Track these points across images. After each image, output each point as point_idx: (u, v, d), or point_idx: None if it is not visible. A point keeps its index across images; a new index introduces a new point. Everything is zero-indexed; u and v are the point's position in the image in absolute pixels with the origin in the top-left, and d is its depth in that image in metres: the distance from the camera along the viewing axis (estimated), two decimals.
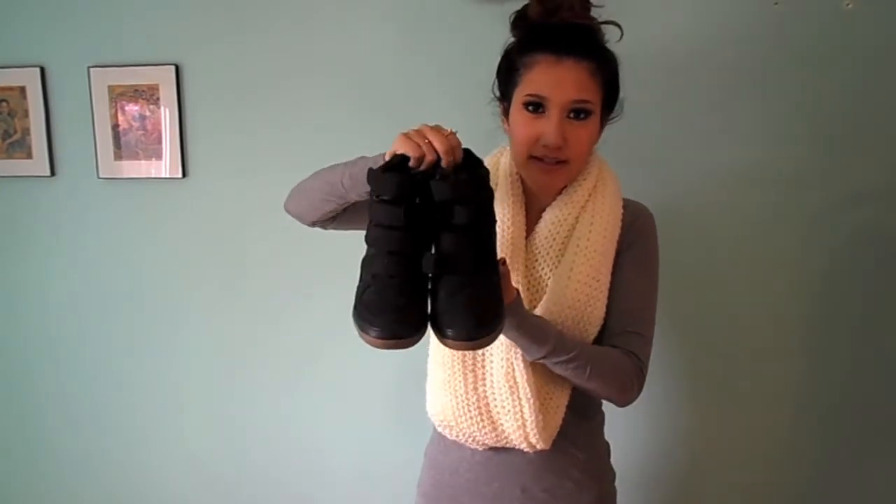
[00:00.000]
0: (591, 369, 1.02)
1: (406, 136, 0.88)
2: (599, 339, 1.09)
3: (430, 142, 0.87)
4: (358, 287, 0.87)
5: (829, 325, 1.60)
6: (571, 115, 1.01)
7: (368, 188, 0.87)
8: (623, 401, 1.09)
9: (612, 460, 1.23)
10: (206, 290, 1.80)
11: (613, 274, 1.09)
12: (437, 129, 0.89)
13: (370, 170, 0.86)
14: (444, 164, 0.87)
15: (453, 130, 0.90)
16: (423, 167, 0.87)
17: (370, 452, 1.80)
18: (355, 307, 0.85)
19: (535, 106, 1.01)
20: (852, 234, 1.55)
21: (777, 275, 1.60)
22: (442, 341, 0.85)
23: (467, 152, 0.92)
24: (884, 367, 1.60)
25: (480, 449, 1.13)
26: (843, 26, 1.48)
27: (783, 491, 1.68)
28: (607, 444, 1.23)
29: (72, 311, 1.87)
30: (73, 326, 1.88)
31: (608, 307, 1.09)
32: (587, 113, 1.01)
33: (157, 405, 1.88)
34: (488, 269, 0.87)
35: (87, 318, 1.87)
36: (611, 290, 1.09)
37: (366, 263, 0.87)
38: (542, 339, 0.98)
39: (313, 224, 1.11)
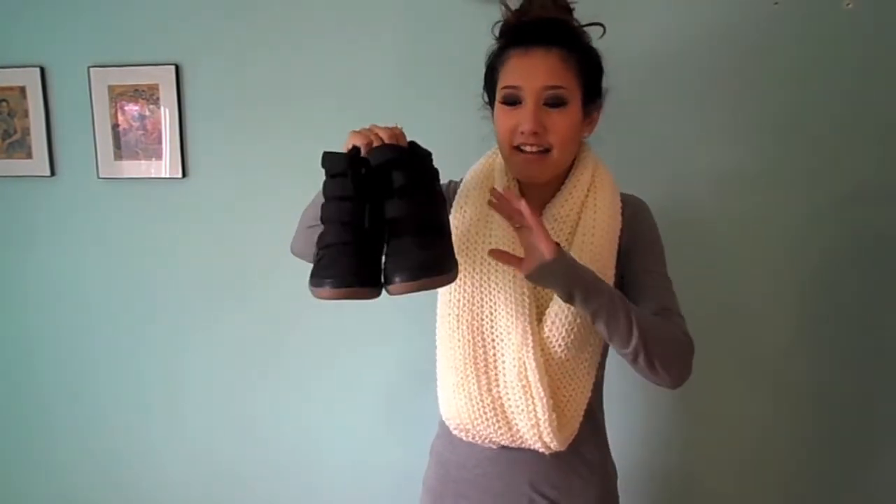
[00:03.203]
0: (651, 333, 0.98)
1: (356, 130, 0.98)
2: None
3: (377, 133, 0.96)
4: (313, 261, 0.94)
5: (827, 325, 1.60)
6: (548, 103, 1.02)
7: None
8: (682, 375, 1.04)
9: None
10: (206, 290, 1.80)
11: (629, 265, 1.11)
12: (385, 125, 0.98)
13: (325, 152, 0.95)
14: None
15: (399, 126, 0.99)
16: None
17: (370, 448, 1.80)
18: (311, 274, 0.91)
19: (512, 98, 1.04)
20: (851, 234, 1.56)
21: (775, 275, 1.59)
22: (389, 290, 0.91)
23: (412, 142, 1.00)
24: (883, 367, 1.60)
25: (493, 447, 1.13)
26: (843, 26, 1.48)
27: (781, 489, 1.68)
28: (608, 442, 1.23)
29: (72, 310, 1.87)
30: (73, 326, 1.88)
31: (635, 293, 1.09)
32: (562, 100, 1.03)
33: (156, 404, 1.88)
34: (432, 231, 0.95)
35: (86, 318, 1.87)
36: (634, 280, 1.10)
37: (320, 238, 0.95)
38: (598, 284, 0.97)
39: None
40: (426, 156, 0.99)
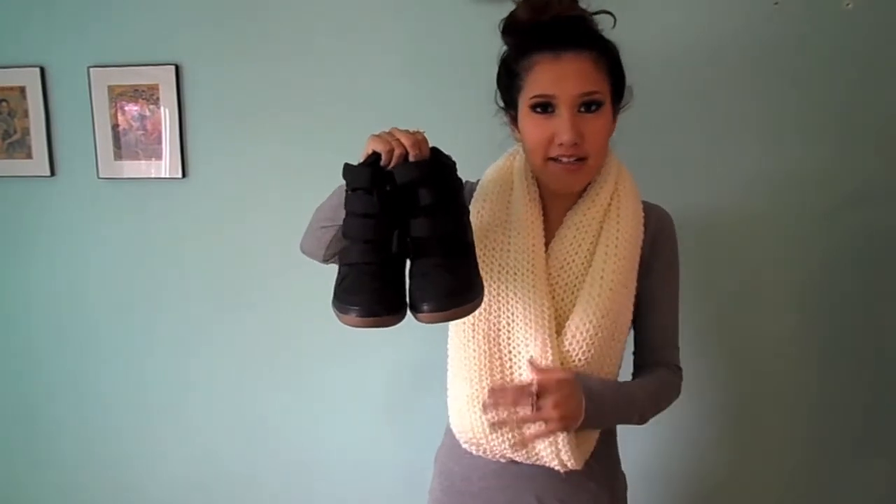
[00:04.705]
0: (650, 411, 1.09)
1: (376, 135, 0.93)
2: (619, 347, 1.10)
3: (398, 139, 0.91)
4: (336, 278, 0.92)
5: (830, 326, 1.60)
6: (582, 108, 0.99)
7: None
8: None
9: (623, 469, 1.22)
10: (207, 290, 1.80)
11: (646, 283, 1.09)
12: (406, 129, 0.93)
13: (346, 164, 0.91)
14: (411, 156, 0.91)
15: (421, 130, 0.94)
16: (393, 161, 0.91)
17: (373, 449, 1.80)
18: (335, 295, 0.89)
19: (544, 106, 1.00)
20: (852, 234, 1.55)
21: (778, 275, 1.59)
22: (418, 318, 0.88)
23: (435, 149, 0.96)
24: (886, 367, 1.60)
25: (502, 461, 1.10)
26: (843, 26, 1.48)
27: (787, 491, 1.68)
28: (619, 455, 1.20)
29: (72, 311, 1.87)
30: (73, 326, 1.88)
31: (645, 317, 1.11)
32: (598, 104, 0.99)
33: (156, 403, 1.88)
34: (459, 251, 0.91)
35: (87, 318, 1.87)
36: (647, 300, 1.10)
37: (343, 255, 0.92)
38: (629, 411, 1.06)
39: (325, 260, 1.10)
40: (451, 167, 0.95)
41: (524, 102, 1.02)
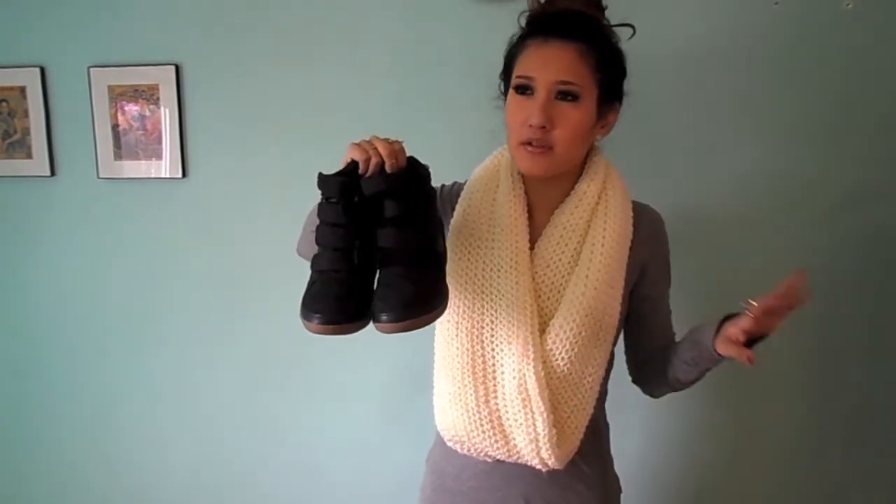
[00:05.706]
0: None
1: (356, 143, 0.94)
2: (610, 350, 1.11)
3: (375, 147, 0.92)
4: (307, 284, 0.94)
5: (830, 326, 1.59)
6: (559, 96, 1.00)
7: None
8: None
9: (617, 471, 1.22)
10: (206, 291, 1.80)
11: (643, 288, 1.11)
12: (385, 139, 0.94)
13: (320, 174, 0.93)
14: (387, 166, 0.92)
15: (400, 140, 0.95)
16: (370, 170, 0.92)
17: (371, 453, 1.80)
18: (302, 302, 0.92)
19: (524, 88, 1.02)
20: (852, 234, 1.55)
21: (778, 275, 1.59)
22: (377, 327, 0.90)
23: (412, 159, 0.97)
24: (885, 367, 1.60)
25: (489, 461, 1.11)
26: (843, 26, 1.48)
27: (786, 492, 1.68)
28: (612, 457, 1.21)
29: (71, 311, 1.87)
30: (72, 326, 1.88)
31: (645, 318, 1.13)
32: (574, 95, 1.00)
33: (154, 405, 1.88)
34: (424, 262, 0.93)
35: (86, 318, 1.87)
36: (646, 304, 1.13)
37: (314, 261, 0.95)
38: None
39: None
40: (424, 176, 0.96)
41: (511, 84, 1.05)
